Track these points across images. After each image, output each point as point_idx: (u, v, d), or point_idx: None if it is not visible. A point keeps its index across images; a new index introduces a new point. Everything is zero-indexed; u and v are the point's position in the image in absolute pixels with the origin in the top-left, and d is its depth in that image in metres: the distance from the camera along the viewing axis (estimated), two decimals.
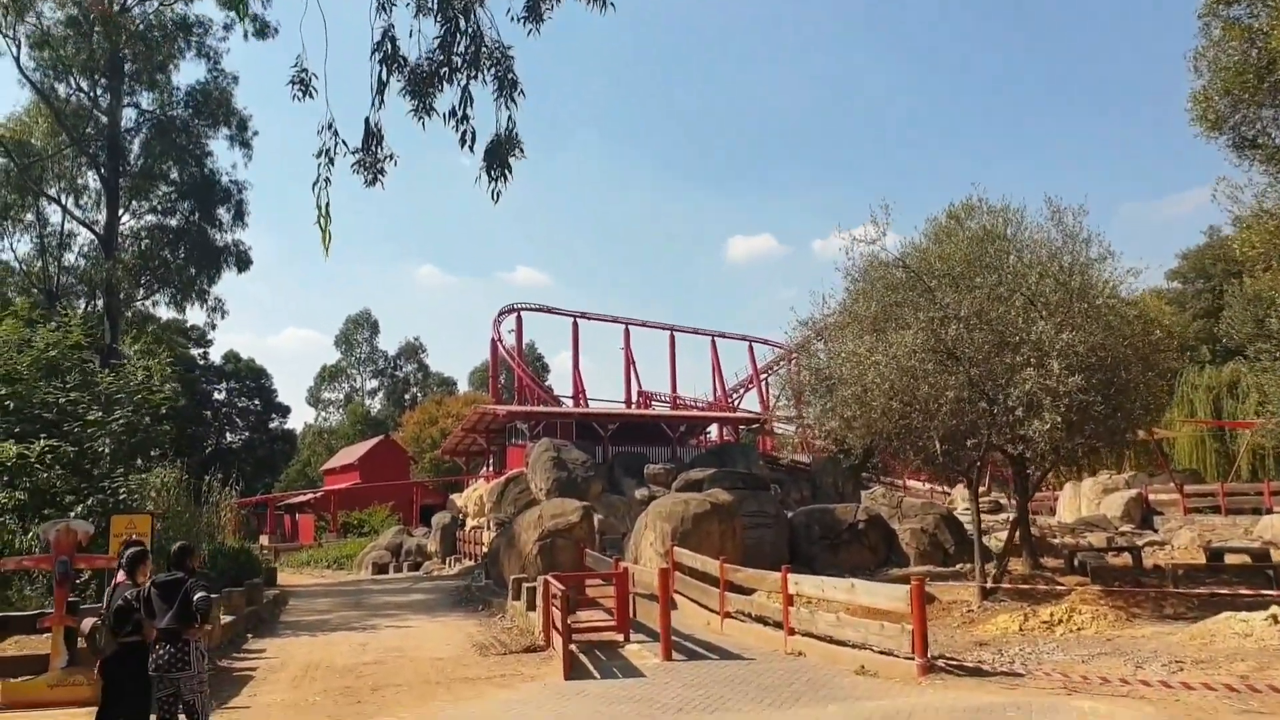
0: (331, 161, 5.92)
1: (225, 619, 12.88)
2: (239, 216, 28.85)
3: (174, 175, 28.15)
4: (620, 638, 11.87)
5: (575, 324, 64.12)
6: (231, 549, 20.12)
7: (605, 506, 35.25)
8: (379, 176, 6.35)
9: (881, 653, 9.74)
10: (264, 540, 43.10)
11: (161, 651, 6.05)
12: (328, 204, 5.80)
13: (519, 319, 62.89)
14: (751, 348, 71.36)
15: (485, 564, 18.27)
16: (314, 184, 5.80)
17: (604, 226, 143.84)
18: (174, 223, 28.49)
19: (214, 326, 29.20)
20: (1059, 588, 14.23)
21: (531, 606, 13.03)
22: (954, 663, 9.53)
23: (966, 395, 12.68)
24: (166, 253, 27.79)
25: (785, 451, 57.30)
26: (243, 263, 28.55)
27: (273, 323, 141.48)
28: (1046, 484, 38.40)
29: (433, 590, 19.76)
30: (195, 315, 35.70)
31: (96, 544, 11.28)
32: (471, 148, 6.26)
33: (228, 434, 66.24)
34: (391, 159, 6.38)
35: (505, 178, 6.41)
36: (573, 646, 10.35)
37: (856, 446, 15.75)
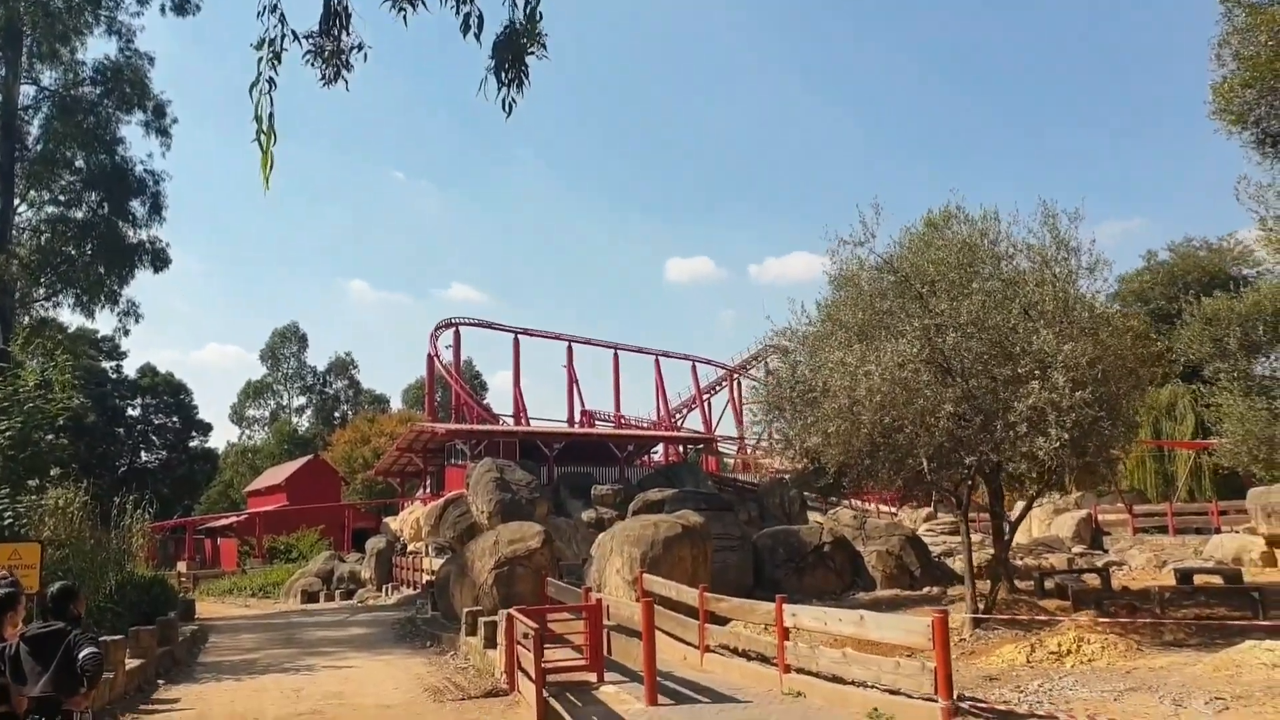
0: (277, 57, 4.47)
1: (132, 663, 11.15)
2: (156, 210, 26.41)
3: (79, 162, 25.62)
4: (593, 678, 10.57)
5: (516, 340, 62.43)
6: (143, 579, 18.14)
7: (552, 529, 33.51)
8: (341, 72, 4.82)
9: (895, 693, 8.68)
10: (181, 567, 40.34)
11: None
12: (270, 115, 4.38)
13: (457, 334, 60.92)
14: (695, 368, 70.75)
15: (432, 594, 16.74)
16: (252, 85, 4.39)
17: (542, 246, 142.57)
18: (80, 215, 25.86)
19: (126, 333, 26.62)
20: (1054, 617, 13.41)
21: (491, 643, 11.65)
22: (980, 704, 8.51)
23: (965, 409, 11.80)
24: (71, 249, 25.14)
25: (740, 471, 56.58)
26: (160, 261, 26.05)
27: (194, 337, 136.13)
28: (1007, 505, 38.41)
29: (372, 623, 18.07)
30: (105, 321, 33.09)
31: None
32: (478, 36, 4.86)
33: (143, 452, 62.60)
34: (360, 50, 4.90)
35: (520, 83, 5.05)
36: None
37: (831, 464, 14.75)
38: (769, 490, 40.95)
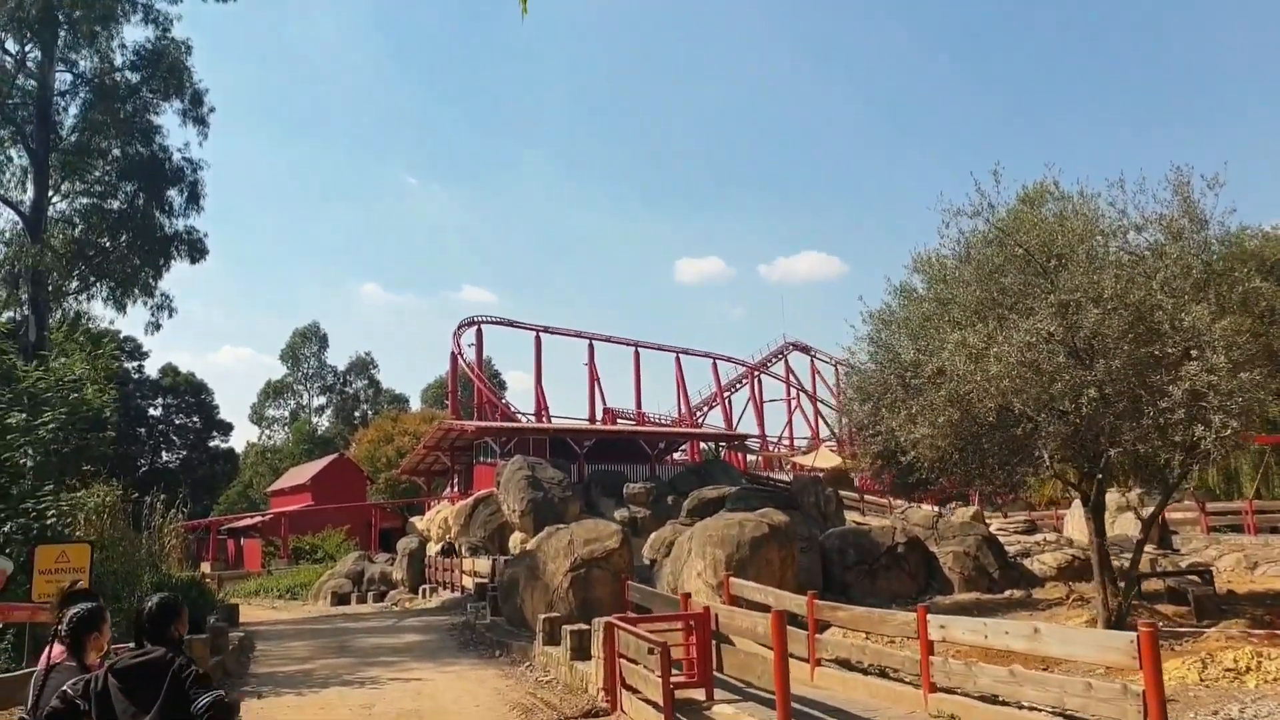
0: None
1: None
2: (194, 199, 25.21)
3: (115, 151, 24.51)
4: (701, 695, 9.36)
5: (538, 338, 61.47)
6: (180, 581, 17.11)
7: None
8: None
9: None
10: (205, 568, 39.32)
11: None
12: None
13: (479, 332, 60.00)
14: (715, 365, 69.63)
15: (493, 597, 15.56)
16: None
17: (551, 246, 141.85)
18: (115, 206, 24.75)
19: (158, 327, 25.39)
20: (1188, 626, 12.12)
21: (580, 655, 10.45)
22: None
23: (1110, 393, 10.53)
24: (105, 240, 24.23)
25: (762, 469, 55.29)
26: (197, 251, 24.87)
27: (210, 340, 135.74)
28: (1058, 501, 36.92)
29: (424, 628, 16.88)
30: (138, 315, 32.13)
31: (15, 584, 8.45)
32: None
33: (164, 452, 61.76)
34: None
35: None
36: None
37: (928, 459, 13.45)
38: (803, 489, 39.64)
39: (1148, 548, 27.40)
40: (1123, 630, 11.42)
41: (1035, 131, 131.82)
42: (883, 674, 10.22)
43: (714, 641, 9.95)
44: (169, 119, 27.44)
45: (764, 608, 11.75)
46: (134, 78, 24.27)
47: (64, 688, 3.72)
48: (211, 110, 25.83)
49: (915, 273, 14.28)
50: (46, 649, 4.36)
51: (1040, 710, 7.76)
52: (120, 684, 3.57)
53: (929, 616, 8.85)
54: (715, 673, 10.17)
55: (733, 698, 9.42)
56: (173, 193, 24.58)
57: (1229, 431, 9.62)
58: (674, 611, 10.67)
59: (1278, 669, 9.32)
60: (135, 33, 29.65)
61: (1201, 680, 9.40)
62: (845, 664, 10.75)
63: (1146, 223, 12.03)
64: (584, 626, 10.68)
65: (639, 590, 12.13)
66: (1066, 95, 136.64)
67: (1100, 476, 12.14)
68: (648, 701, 8.43)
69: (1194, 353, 10.15)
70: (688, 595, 10.56)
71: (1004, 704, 8.06)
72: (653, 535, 21.56)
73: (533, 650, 12.30)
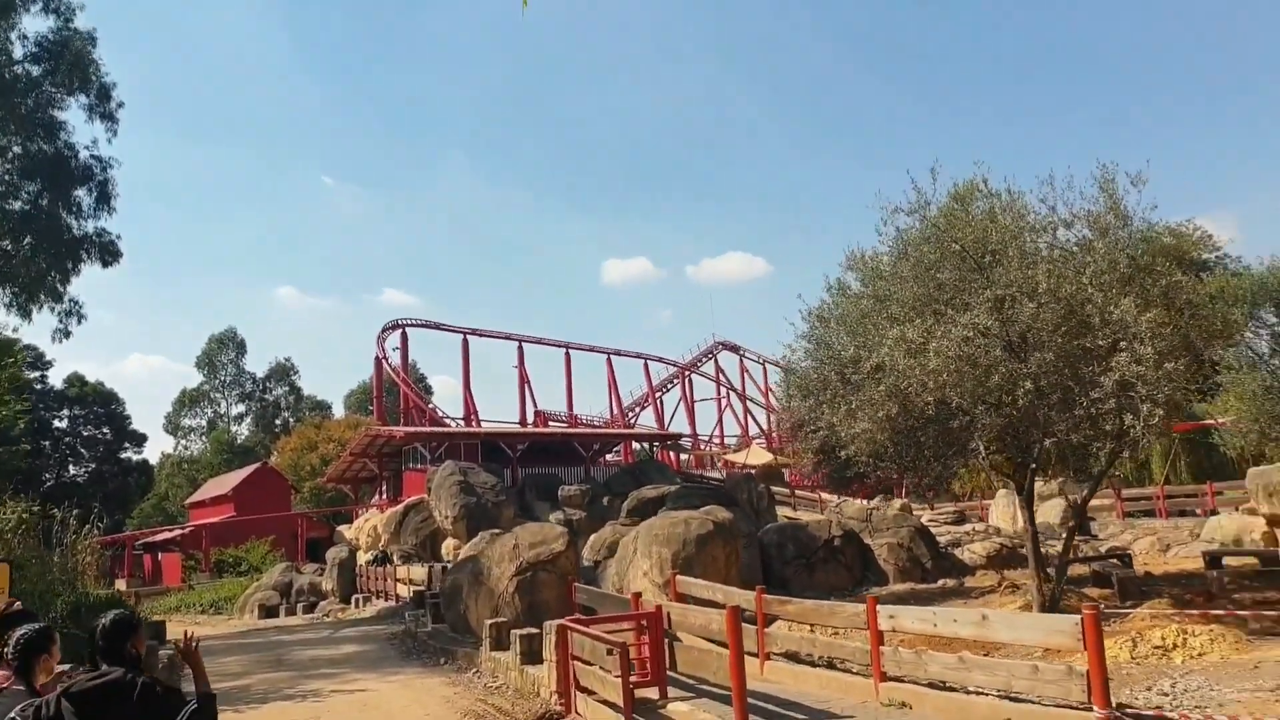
0: None
1: None
2: (104, 199, 23.86)
3: (16, 149, 23.10)
4: (655, 694, 9.32)
5: (465, 341, 60.63)
6: (99, 599, 16.28)
7: None
8: None
9: (1025, 701, 7.65)
10: (121, 585, 37.62)
11: None
12: None
13: (404, 336, 58.91)
14: (647, 366, 69.84)
15: (434, 605, 15.24)
16: None
17: (474, 248, 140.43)
18: (17, 206, 23.30)
19: (67, 334, 23.88)
20: (1113, 608, 12.58)
21: (530, 659, 10.31)
22: (1130, 711, 7.51)
23: (1044, 385, 10.87)
24: (7, 242, 22.73)
25: (695, 468, 55.61)
26: (109, 254, 23.51)
27: (117, 349, 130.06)
28: (982, 491, 37.99)
29: (362, 639, 16.42)
30: (44, 321, 30.42)
31: None
32: None
33: (71, 466, 58.92)
34: None
35: None
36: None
37: (865, 453, 13.70)
38: (736, 486, 40.03)
39: (1064, 534, 28.49)
40: (1057, 613, 11.84)
41: (948, 132, 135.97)
42: (830, 665, 10.35)
43: (665, 640, 9.92)
44: (75, 114, 25.99)
45: (712, 604, 11.78)
46: (35, 70, 22.91)
47: (12, 714, 3.47)
48: (120, 105, 24.61)
49: (849, 270, 14.57)
50: None
51: (989, 694, 7.95)
52: (76, 708, 3.34)
53: (878, 607, 8.98)
54: (668, 671, 10.16)
55: (686, 695, 9.40)
56: (81, 192, 23.27)
57: (1155, 420, 10.02)
58: (624, 611, 10.62)
59: (1201, 645, 9.77)
60: (36, 23, 28.08)
61: (1133, 658, 9.79)
62: (794, 657, 10.86)
63: (1074, 219, 12.47)
64: (533, 630, 10.54)
65: (586, 592, 12.03)
66: (976, 95, 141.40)
67: (1034, 466, 12.53)
68: (604, 702, 8.36)
69: (1122, 345, 10.54)
70: (638, 595, 10.51)
71: (953, 689, 8.23)
72: (593, 537, 21.46)
73: (479, 656, 12.08)
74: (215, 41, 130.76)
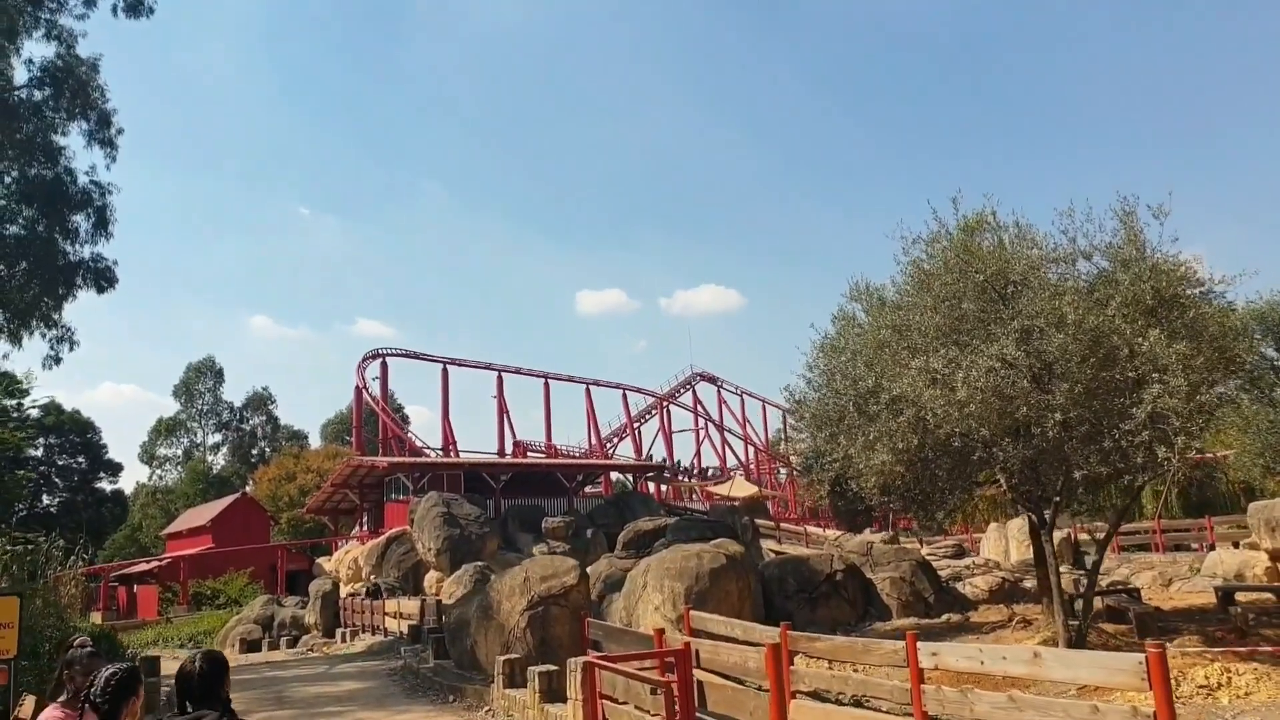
0: None
1: None
2: (101, 225, 23.46)
3: (14, 173, 22.78)
4: None
5: (445, 371, 59.93)
6: (94, 633, 15.72)
7: (501, 565, 31.64)
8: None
9: None
10: (96, 618, 36.51)
11: None
12: None
13: (384, 365, 58.23)
14: (625, 396, 69.46)
15: (438, 640, 14.75)
16: None
17: (449, 279, 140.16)
18: (13, 231, 22.93)
19: (58, 360, 23.38)
20: (1136, 644, 12.37)
21: (551, 697, 9.91)
22: None
23: (1072, 416, 10.72)
24: (1, 267, 22.23)
25: (673, 499, 55.13)
26: (104, 280, 22.92)
27: (88, 376, 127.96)
28: (968, 524, 37.83)
29: (360, 674, 15.84)
30: (34, 347, 29.62)
31: None
32: None
33: (44, 495, 57.48)
34: None
35: None
36: None
37: (877, 486, 13.49)
38: (721, 518, 39.69)
39: (1064, 569, 28.33)
40: (1088, 650, 11.60)
41: (921, 168, 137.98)
42: (857, 704, 10.02)
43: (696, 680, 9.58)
44: (75, 140, 25.55)
45: (730, 640, 11.43)
46: (37, 96, 22.56)
47: None
48: (120, 131, 24.28)
49: (853, 301, 14.52)
50: (44, 711, 3.72)
51: None
52: None
53: (919, 644, 8.69)
54: (696, 712, 9.81)
55: None
56: (79, 218, 22.84)
57: (1192, 452, 9.89)
58: (644, 649, 10.26)
59: (1247, 684, 9.54)
60: (38, 49, 27.76)
61: (1177, 698, 9.54)
62: (819, 695, 10.52)
63: (1094, 250, 12.43)
64: (552, 667, 10.16)
65: (601, 628, 11.64)
66: (944, 132, 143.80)
67: (1058, 499, 12.36)
68: None
69: (1153, 376, 10.43)
70: (661, 631, 10.15)
71: None
72: (589, 570, 21.05)
73: (490, 694, 11.63)
74: (192, 71, 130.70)
